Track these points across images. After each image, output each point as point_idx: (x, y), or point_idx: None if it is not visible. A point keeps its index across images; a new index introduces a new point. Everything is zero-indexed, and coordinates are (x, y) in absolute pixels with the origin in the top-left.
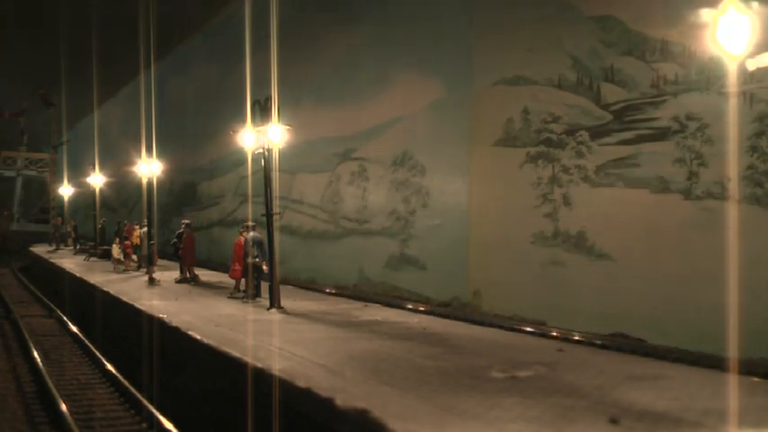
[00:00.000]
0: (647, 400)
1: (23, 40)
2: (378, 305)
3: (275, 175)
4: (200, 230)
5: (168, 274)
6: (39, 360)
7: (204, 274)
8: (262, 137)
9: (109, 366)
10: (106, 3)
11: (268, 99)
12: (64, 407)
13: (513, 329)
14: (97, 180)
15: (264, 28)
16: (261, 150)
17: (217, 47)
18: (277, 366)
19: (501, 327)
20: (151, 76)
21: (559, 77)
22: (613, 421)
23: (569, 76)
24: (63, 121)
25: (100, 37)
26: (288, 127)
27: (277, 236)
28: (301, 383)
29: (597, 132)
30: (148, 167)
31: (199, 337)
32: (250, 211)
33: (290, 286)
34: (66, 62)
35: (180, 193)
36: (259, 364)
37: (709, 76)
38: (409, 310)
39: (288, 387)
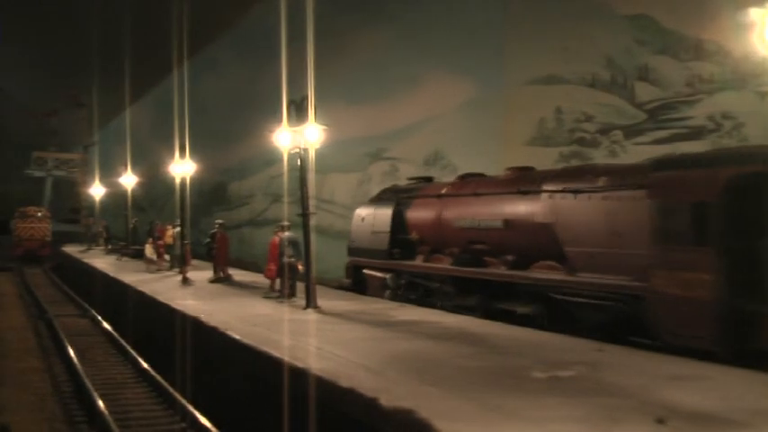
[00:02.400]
0: (692, 400)
1: (55, 40)
2: (412, 305)
3: (311, 176)
4: (230, 230)
5: (201, 274)
6: (75, 360)
7: (236, 274)
8: (298, 136)
9: (145, 366)
10: (137, 3)
11: (304, 98)
12: (102, 406)
13: None
14: (129, 180)
15: (295, 28)
16: (297, 150)
17: (247, 47)
18: (318, 366)
19: None
20: (183, 75)
21: (593, 76)
22: (660, 421)
23: (603, 75)
24: (95, 121)
25: (130, 37)
26: (324, 127)
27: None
28: (344, 383)
29: (631, 131)
30: (182, 167)
31: (238, 337)
32: (285, 211)
33: (321, 286)
34: (97, 63)
35: (210, 193)
36: (300, 364)
37: (744, 75)
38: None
39: (330, 387)
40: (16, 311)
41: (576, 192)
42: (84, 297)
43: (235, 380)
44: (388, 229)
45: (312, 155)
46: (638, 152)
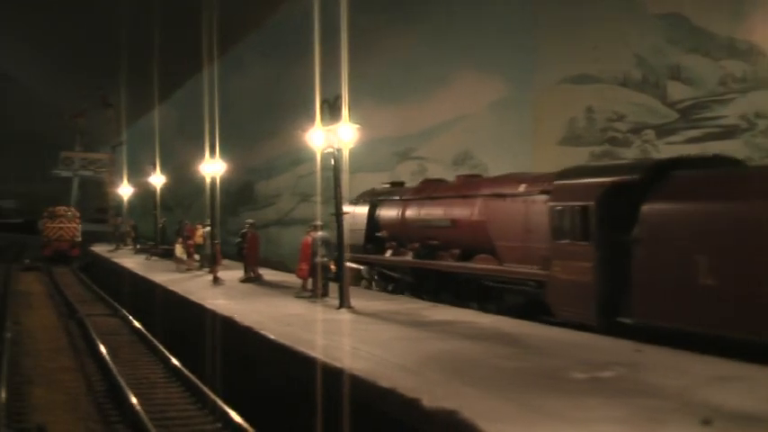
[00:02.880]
0: (734, 401)
1: (83, 41)
2: (444, 305)
3: (345, 176)
4: (258, 230)
5: (231, 273)
6: (108, 359)
7: (265, 274)
8: (331, 136)
9: (179, 365)
10: (165, 3)
11: (337, 98)
12: (138, 406)
13: None
14: (158, 180)
15: (323, 27)
16: (330, 149)
17: (274, 47)
18: (356, 366)
19: None
20: (213, 74)
21: (624, 75)
22: (706, 422)
23: (634, 75)
24: (123, 121)
25: (158, 37)
26: (358, 126)
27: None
28: (384, 384)
29: (663, 131)
30: (212, 167)
31: (273, 337)
32: (319, 210)
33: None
34: (124, 63)
35: (236, 193)
36: (337, 364)
37: None
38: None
39: (370, 387)
40: (46, 311)
41: (502, 196)
42: (113, 296)
43: (269, 380)
44: (363, 227)
45: (346, 154)
46: (670, 152)
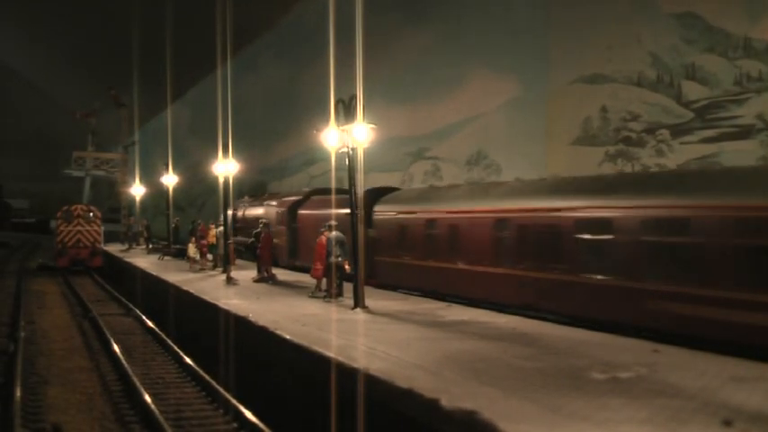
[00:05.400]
0: (755, 401)
1: (96, 41)
2: (460, 305)
3: (360, 176)
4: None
5: (244, 273)
6: (122, 359)
7: (278, 273)
8: (345, 136)
9: (194, 366)
10: (178, 3)
11: (352, 98)
12: (154, 406)
13: None
14: (170, 180)
15: (337, 27)
16: (344, 149)
17: (287, 47)
18: (374, 367)
19: None
20: (227, 74)
21: (639, 75)
22: (727, 423)
23: (649, 74)
24: (136, 121)
25: (171, 36)
26: (372, 126)
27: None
28: (402, 384)
29: (678, 131)
30: (225, 167)
31: (289, 337)
32: (333, 210)
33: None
34: (138, 62)
35: (249, 193)
36: (355, 365)
37: None
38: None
39: (388, 387)
40: (60, 310)
41: (269, 205)
42: (126, 296)
43: (285, 379)
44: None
45: (360, 154)
46: (684, 151)
